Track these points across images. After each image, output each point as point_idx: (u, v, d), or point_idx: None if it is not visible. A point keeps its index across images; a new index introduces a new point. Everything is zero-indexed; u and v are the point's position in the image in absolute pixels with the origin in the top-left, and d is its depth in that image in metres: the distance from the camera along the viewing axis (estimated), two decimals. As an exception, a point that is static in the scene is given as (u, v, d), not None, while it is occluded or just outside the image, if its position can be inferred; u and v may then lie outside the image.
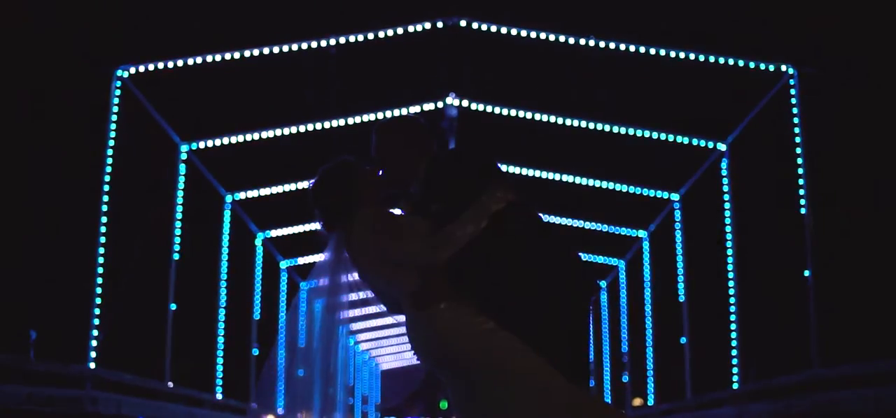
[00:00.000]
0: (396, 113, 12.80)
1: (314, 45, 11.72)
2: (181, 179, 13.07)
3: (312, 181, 4.06)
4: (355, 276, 3.98)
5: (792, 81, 11.11)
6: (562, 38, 11.71)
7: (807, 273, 10.53)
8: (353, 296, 4.08)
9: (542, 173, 14.69)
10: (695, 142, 13.17)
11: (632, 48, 11.65)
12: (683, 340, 14.55)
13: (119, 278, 11.09)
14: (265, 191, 15.15)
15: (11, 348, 9.87)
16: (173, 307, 12.62)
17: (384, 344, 25.76)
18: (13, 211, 15.69)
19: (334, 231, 3.96)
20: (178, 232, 12.92)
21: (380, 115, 12.83)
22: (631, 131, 13.13)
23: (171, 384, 12.31)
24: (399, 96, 13.09)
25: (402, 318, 3.95)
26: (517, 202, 3.90)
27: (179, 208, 12.99)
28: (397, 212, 4.13)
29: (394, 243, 3.78)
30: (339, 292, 4.00)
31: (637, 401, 18.83)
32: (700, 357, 14.51)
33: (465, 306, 3.75)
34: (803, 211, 10.70)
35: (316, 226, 4.10)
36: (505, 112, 13.11)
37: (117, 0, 15.13)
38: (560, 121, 13.08)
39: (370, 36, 11.80)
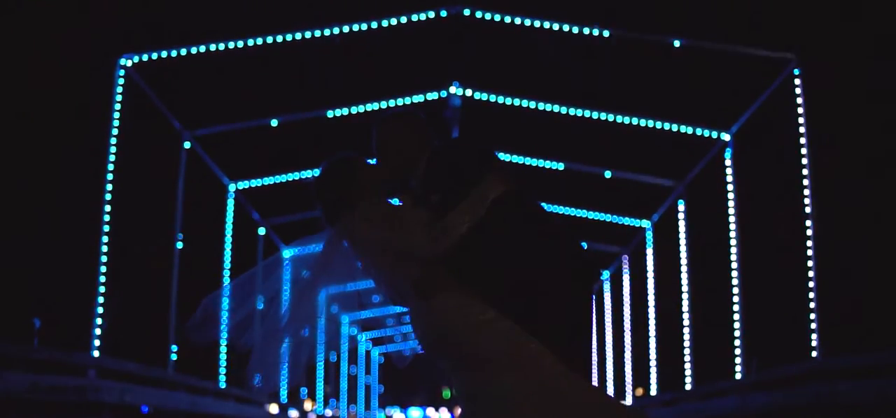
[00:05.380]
0: (400, 102, 12.80)
1: (318, 34, 11.71)
2: (184, 168, 13.08)
3: (315, 176, 4.09)
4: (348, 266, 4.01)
5: (796, 71, 11.08)
6: (565, 27, 11.69)
7: (810, 263, 10.52)
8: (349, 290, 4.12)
9: (545, 163, 14.69)
10: (699, 131, 13.15)
11: (636, 37, 11.62)
12: (685, 329, 14.56)
13: (122, 267, 11.11)
14: (268, 181, 15.18)
15: (15, 336, 9.89)
16: (177, 292, 12.66)
17: (386, 331, 25.82)
18: (17, 200, 15.70)
19: (336, 224, 3.98)
20: (181, 221, 12.95)
21: (383, 105, 12.83)
22: (634, 120, 13.12)
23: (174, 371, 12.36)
24: (402, 85, 13.09)
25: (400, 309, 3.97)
26: (516, 191, 3.90)
27: (182, 197, 13.01)
28: (398, 203, 4.14)
29: (394, 234, 3.80)
30: (327, 281, 4.03)
31: (638, 391, 18.86)
32: (702, 347, 14.52)
33: (467, 295, 3.75)
34: (807, 201, 10.68)
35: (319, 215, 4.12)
36: (508, 101, 13.10)
37: (120, -11, 15.12)
38: (563, 110, 13.07)
39: (374, 25, 11.78)
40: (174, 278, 12.76)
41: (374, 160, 4.12)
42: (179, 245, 12.88)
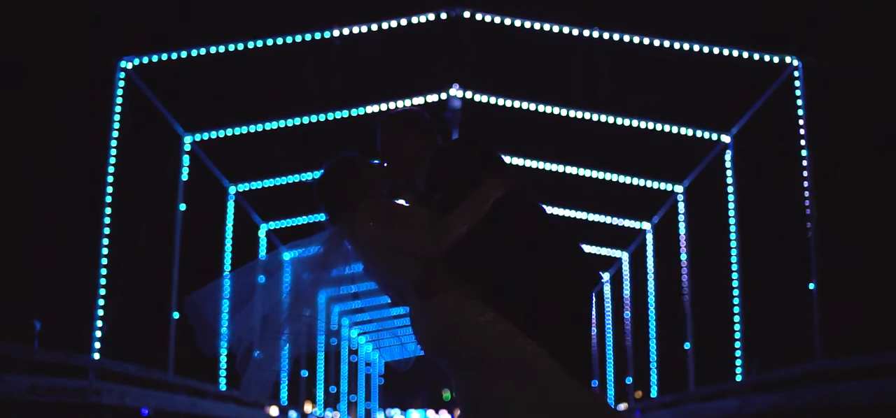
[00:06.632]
0: (400, 104, 12.80)
1: (318, 36, 11.70)
2: (184, 171, 13.09)
3: (317, 175, 4.08)
4: (347, 270, 4.00)
5: (796, 73, 11.08)
6: (565, 29, 11.69)
7: (810, 264, 10.51)
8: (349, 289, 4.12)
9: (545, 165, 14.68)
10: (699, 133, 13.15)
11: (636, 39, 11.62)
12: (687, 345, 14.55)
13: (123, 269, 11.12)
14: (269, 183, 15.17)
15: (16, 338, 9.89)
16: (177, 294, 12.66)
17: (386, 335, 25.82)
18: (17, 202, 15.71)
19: (338, 224, 3.97)
20: (181, 223, 12.96)
21: (383, 107, 12.83)
22: (635, 123, 13.12)
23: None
24: (402, 87, 13.09)
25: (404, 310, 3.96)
26: (518, 192, 3.89)
27: (182, 200, 13.01)
28: (402, 202, 4.13)
29: (395, 233, 3.79)
30: (326, 283, 4.03)
31: (638, 393, 18.84)
32: (703, 348, 14.52)
33: (468, 296, 3.75)
34: (807, 202, 10.68)
35: (320, 217, 4.11)
36: (508, 103, 13.10)
37: (121, -9, 15.13)
38: (563, 112, 13.07)
39: (374, 27, 11.78)
40: (174, 280, 12.76)
41: (378, 159, 4.12)
42: (179, 247, 12.88)
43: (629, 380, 18.56)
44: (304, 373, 20.18)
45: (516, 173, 4.02)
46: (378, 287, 4.04)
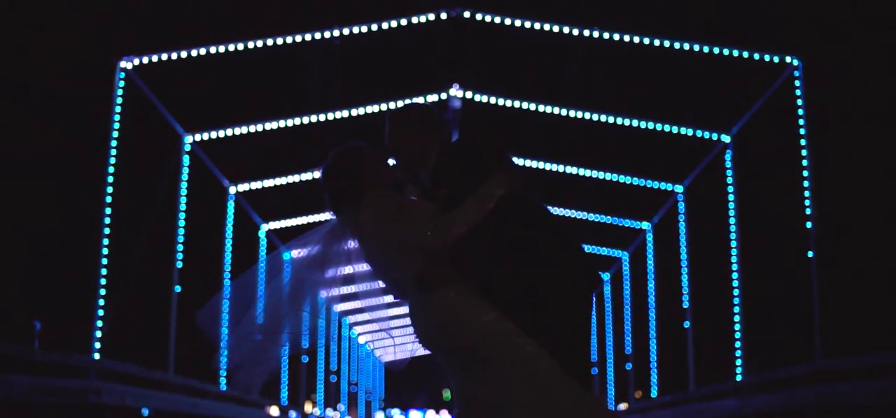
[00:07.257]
0: (400, 104, 12.80)
1: (318, 36, 11.70)
2: (185, 171, 13.09)
3: (323, 164, 4.06)
4: (346, 270, 4.00)
5: (797, 73, 11.08)
6: (565, 29, 11.69)
7: (810, 265, 10.52)
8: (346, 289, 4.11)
9: (545, 165, 14.69)
10: (699, 133, 13.15)
11: (635, 39, 11.62)
12: (687, 324, 14.54)
13: (123, 269, 11.13)
14: (269, 183, 15.17)
15: (16, 338, 9.90)
16: (177, 294, 12.66)
17: (385, 337, 25.77)
18: (17, 202, 15.71)
19: (342, 215, 3.96)
20: (181, 223, 12.96)
21: (383, 107, 12.83)
22: (635, 123, 13.12)
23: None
24: (403, 87, 13.09)
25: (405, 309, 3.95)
26: (522, 191, 3.89)
27: (183, 200, 13.02)
28: (407, 196, 4.12)
29: (398, 226, 3.78)
30: (325, 283, 4.02)
31: (639, 393, 18.83)
32: (703, 348, 14.52)
33: (469, 293, 3.74)
34: (807, 203, 10.68)
35: (320, 216, 4.11)
36: (508, 103, 13.10)
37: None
38: (563, 112, 13.07)
39: (374, 27, 11.78)
40: (174, 280, 12.77)
41: (385, 152, 4.11)
42: (180, 247, 12.88)
43: (629, 366, 18.50)
44: (305, 359, 20.23)
45: (522, 172, 4.01)
46: (381, 282, 4.03)
